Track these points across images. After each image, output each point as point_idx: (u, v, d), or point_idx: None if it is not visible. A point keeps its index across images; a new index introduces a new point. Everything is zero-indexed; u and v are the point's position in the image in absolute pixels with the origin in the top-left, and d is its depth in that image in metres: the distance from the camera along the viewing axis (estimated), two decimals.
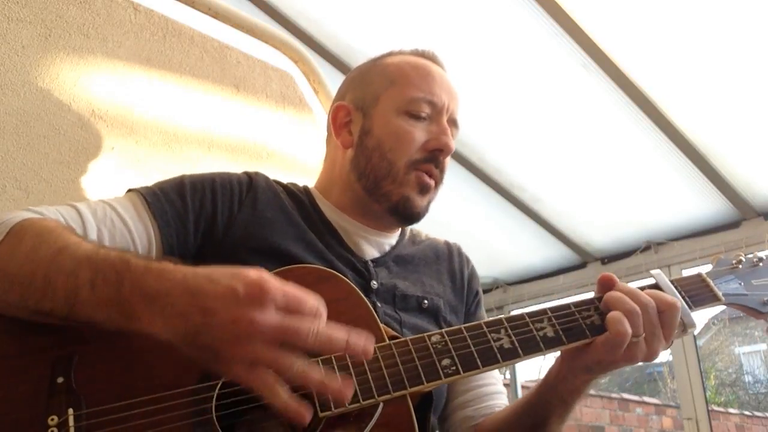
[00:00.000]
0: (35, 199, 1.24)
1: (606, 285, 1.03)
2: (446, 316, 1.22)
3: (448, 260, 1.32)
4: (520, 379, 5.06)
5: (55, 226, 0.90)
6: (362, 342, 0.77)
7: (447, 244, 1.35)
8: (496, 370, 1.25)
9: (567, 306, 1.02)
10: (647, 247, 4.03)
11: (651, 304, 0.98)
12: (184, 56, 1.54)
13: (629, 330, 0.95)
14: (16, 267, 0.85)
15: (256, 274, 0.75)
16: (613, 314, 0.97)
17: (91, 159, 1.34)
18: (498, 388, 1.24)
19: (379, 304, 1.14)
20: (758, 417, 8.69)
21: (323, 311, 0.76)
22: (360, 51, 3.30)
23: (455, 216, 4.00)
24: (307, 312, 0.75)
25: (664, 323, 0.98)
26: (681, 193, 3.62)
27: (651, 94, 3.10)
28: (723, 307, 1.14)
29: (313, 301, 0.76)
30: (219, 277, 0.76)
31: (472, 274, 1.34)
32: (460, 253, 1.35)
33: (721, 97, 3.07)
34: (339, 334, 0.76)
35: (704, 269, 1.15)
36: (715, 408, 7.94)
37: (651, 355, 0.98)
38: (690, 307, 1.04)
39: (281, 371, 0.74)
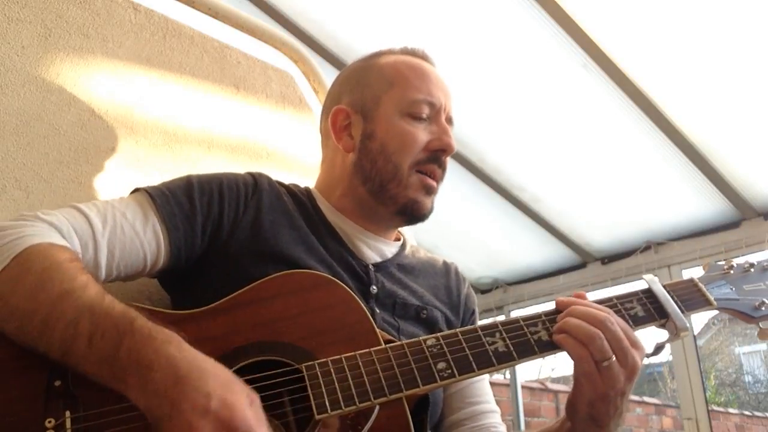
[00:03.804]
0: (35, 199, 1.24)
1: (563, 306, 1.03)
2: (443, 328, 1.22)
3: (446, 277, 1.32)
4: (520, 380, 5.07)
5: (62, 260, 0.88)
6: None
7: (445, 262, 1.36)
8: (491, 390, 1.27)
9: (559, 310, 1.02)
10: (647, 247, 4.03)
11: (609, 318, 0.96)
12: (184, 56, 1.54)
13: (585, 353, 0.94)
14: (17, 300, 0.85)
15: (243, 401, 0.75)
16: (563, 339, 0.97)
17: (91, 159, 1.34)
18: (492, 407, 1.24)
19: (377, 310, 1.14)
20: (758, 417, 8.67)
21: None
22: (360, 51, 3.26)
23: (455, 216, 4.00)
24: None
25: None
26: (681, 193, 3.62)
27: (651, 94, 3.10)
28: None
29: None
30: (210, 376, 0.76)
31: (469, 294, 1.34)
32: (457, 273, 1.35)
33: (721, 98, 3.07)
34: None
35: (696, 274, 1.17)
36: (715, 408, 7.92)
37: (631, 371, 0.96)
38: (683, 312, 1.06)
39: None
